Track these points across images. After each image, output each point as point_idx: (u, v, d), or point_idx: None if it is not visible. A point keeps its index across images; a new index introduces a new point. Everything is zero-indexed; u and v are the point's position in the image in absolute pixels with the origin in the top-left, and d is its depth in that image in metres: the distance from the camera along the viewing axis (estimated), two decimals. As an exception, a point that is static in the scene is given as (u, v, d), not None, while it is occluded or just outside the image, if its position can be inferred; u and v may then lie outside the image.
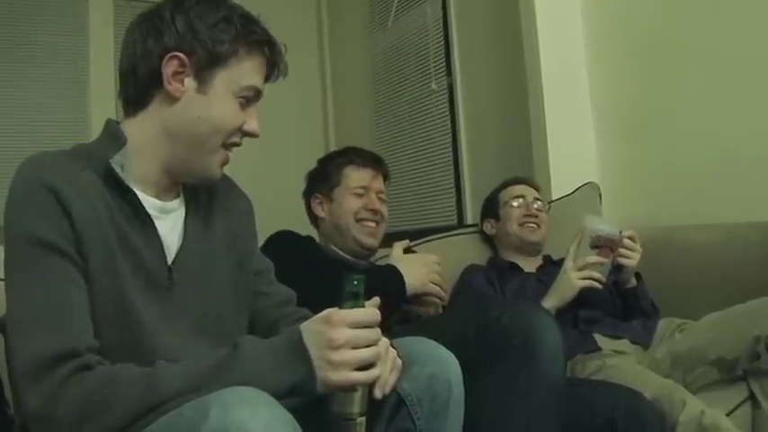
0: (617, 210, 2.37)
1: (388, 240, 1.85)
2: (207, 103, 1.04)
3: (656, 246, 1.86)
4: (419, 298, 1.71)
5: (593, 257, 1.74)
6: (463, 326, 1.23)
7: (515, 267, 2.00)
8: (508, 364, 1.17)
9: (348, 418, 0.93)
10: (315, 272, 1.48)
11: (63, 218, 0.94)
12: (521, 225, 2.03)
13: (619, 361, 1.64)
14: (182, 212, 1.10)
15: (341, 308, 0.93)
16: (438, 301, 1.75)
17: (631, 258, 1.78)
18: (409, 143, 3.47)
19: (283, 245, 1.70)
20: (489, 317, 1.22)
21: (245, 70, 1.06)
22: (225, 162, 1.09)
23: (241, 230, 1.19)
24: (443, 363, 1.07)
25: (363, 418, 0.94)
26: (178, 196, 1.10)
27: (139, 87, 1.05)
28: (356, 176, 1.83)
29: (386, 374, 0.97)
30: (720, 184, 2.09)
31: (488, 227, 2.14)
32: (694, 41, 2.17)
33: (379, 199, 1.84)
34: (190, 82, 1.03)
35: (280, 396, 0.84)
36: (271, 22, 1.12)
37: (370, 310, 0.95)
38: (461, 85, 3.07)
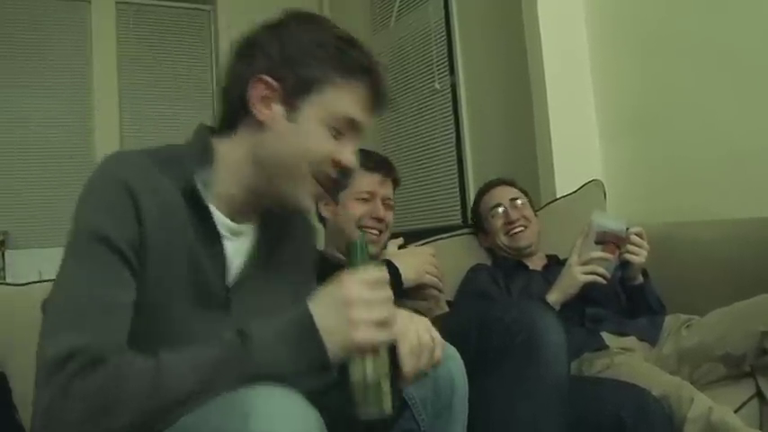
0: (621, 207, 2.37)
1: (390, 239, 1.84)
2: (296, 131, 0.99)
3: (661, 242, 1.86)
4: (417, 291, 1.70)
5: (597, 253, 1.74)
6: (466, 325, 1.23)
7: (521, 265, 2.00)
8: (512, 362, 1.17)
9: (372, 385, 0.87)
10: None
11: (134, 223, 0.91)
12: (506, 234, 2.02)
13: (626, 359, 1.63)
14: (251, 237, 1.07)
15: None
16: (436, 293, 1.74)
17: (638, 255, 1.77)
18: (413, 142, 3.47)
19: None
20: (492, 316, 1.22)
21: (340, 99, 1.00)
22: (316, 194, 1.04)
23: (304, 263, 1.17)
24: (447, 361, 1.06)
25: (388, 383, 0.89)
26: (250, 221, 1.07)
27: (229, 110, 1.03)
28: (363, 181, 1.72)
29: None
30: (725, 180, 2.08)
31: (482, 241, 2.15)
32: (698, 38, 2.16)
33: (386, 205, 1.76)
34: (278, 108, 0.99)
35: (297, 379, 0.81)
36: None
37: (377, 270, 0.92)
38: (464, 84, 3.06)
